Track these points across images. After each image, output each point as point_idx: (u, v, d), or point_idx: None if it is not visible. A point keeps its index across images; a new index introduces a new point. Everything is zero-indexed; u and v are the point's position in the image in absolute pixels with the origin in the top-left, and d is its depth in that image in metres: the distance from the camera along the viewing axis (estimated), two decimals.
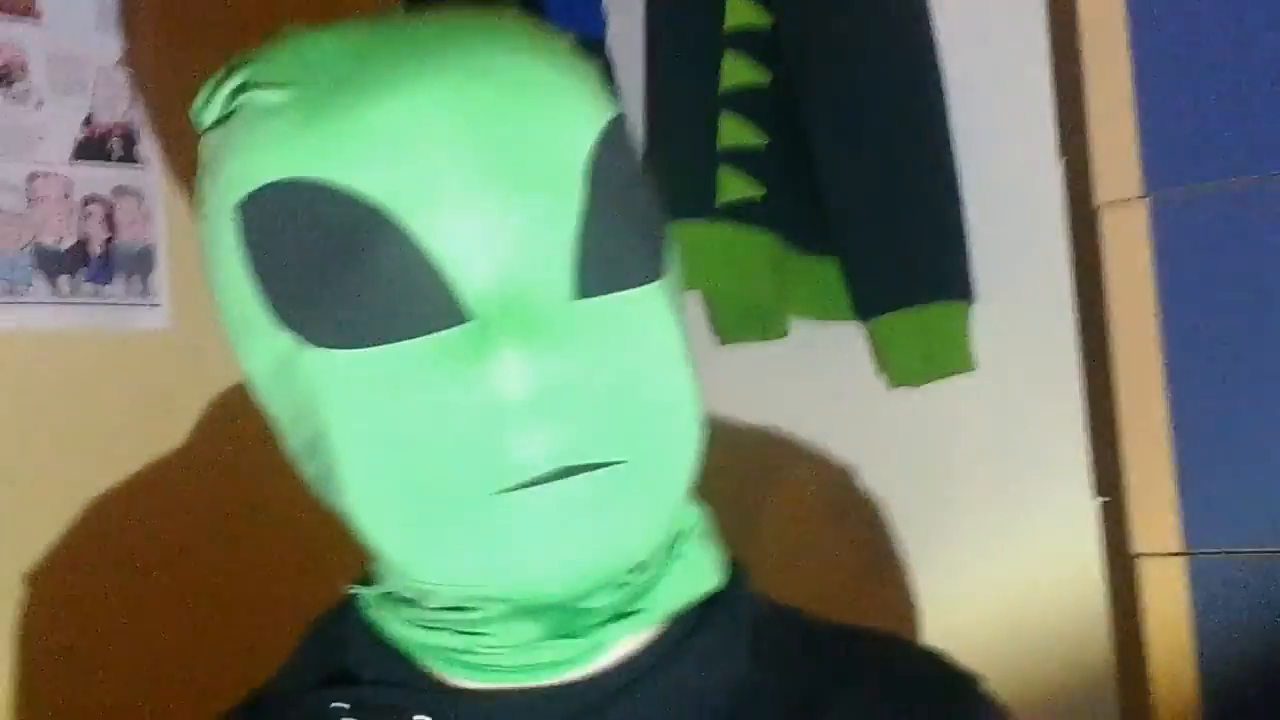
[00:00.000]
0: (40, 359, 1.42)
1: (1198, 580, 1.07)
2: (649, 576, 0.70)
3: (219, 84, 0.70)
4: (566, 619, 0.67)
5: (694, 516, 0.75)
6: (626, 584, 0.69)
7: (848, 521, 1.46)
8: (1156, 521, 1.09)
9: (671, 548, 0.72)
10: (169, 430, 1.53)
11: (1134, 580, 1.10)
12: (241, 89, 0.68)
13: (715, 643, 0.73)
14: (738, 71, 1.39)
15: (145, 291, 1.50)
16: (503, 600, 0.66)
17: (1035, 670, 1.30)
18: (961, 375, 1.33)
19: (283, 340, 0.66)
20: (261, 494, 1.59)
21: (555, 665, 0.68)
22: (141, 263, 1.50)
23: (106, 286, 1.47)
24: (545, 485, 0.63)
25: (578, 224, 0.65)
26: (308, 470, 0.71)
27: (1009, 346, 1.35)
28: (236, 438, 1.58)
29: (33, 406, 1.42)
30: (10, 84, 1.41)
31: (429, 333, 0.63)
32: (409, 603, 0.71)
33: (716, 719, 0.71)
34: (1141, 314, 1.10)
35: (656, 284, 0.69)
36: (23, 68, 1.42)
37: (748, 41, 1.39)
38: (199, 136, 0.72)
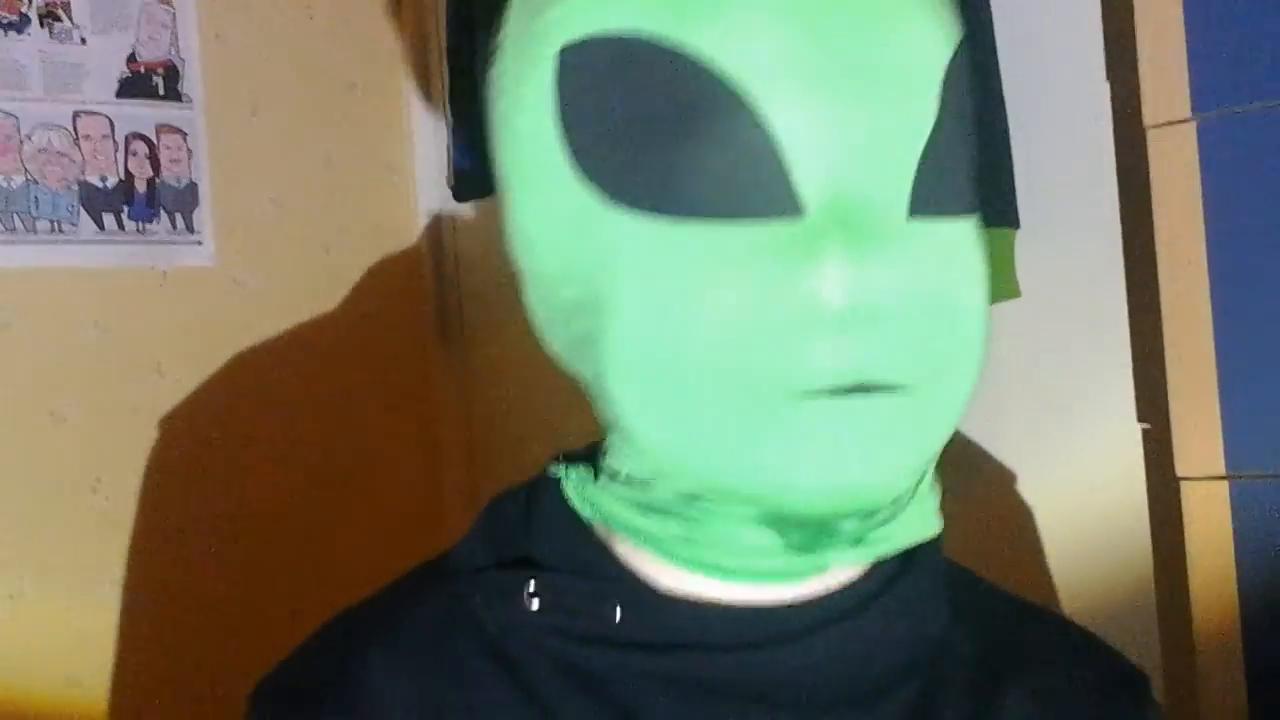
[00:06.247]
0: (85, 296, 1.44)
1: (1240, 503, 1.06)
2: (897, 510, 0.66)
3: None
4: (810, 535, 0.64)
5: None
6: (879, 513, 0.65)
7: None
8: (1200, 445, 1.08)
9: (916, 486, 0.68)
10: (212, 366, 1.55)
11: (1177, 503, 1.10)
12: None
13: (923, 591, 0.70)
14: None
15: (189, 229, 1.52)
16: (754, 502, 0.63)
17: (1080, 591, 1.30)
18: (1006, 302, 1.32)
19: (583, 195, 0.63)
20: (303, 429, 1.62)
21: (772, 575, 0.65)
22: (185, 200, 1.51)
23: (150, 224, 1.49)
24: (841, 398, 0.59)
25: (926, 140, 0.61)
26: (560, 332, 0.67)
27: (1054, 272, 1.34)
28: (278, 372, 1.60)
29: (78, 343, 1.44)
30: (54, 21, 1.42)
31: (758, 219, 0.60)
32: (630, 484, 0.66)
33: (913, 670, 0.68)
34: (1188, 237, 1.09)
35: (974, 218, 0.66)
36: (66, 5, 1.43)
37: None
38: None
